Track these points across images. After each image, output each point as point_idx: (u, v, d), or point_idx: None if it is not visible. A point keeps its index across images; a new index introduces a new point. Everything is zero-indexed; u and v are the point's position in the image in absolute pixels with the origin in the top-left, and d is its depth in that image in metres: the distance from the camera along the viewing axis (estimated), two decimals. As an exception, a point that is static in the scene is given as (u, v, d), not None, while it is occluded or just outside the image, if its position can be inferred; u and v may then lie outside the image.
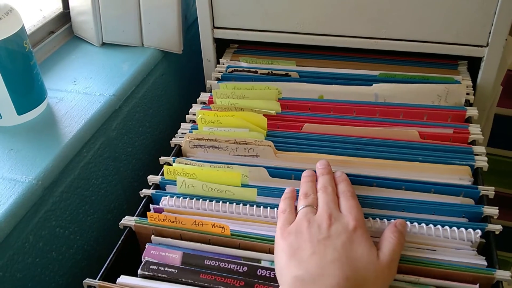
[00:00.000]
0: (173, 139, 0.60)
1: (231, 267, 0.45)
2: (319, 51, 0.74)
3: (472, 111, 0.60)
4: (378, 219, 0.47)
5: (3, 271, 0.50)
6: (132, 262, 0.47)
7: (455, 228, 0.46)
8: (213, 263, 0.45)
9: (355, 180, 0.52)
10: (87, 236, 0.64)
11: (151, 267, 0.45)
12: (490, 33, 0.64)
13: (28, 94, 0.63)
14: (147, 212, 0.49)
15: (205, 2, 0.71)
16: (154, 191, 0.53)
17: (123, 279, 0.44)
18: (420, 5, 0.64)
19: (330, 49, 0.72)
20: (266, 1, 0.69)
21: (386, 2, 0.65)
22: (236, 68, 0.72)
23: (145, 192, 0.53)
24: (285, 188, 0.51)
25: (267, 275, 0.44)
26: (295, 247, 0.42)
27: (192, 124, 0.63)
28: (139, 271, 0.45)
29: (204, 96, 0.67)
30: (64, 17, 0.83)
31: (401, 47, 0.68)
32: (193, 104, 0.66)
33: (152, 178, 0.55)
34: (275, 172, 0.54)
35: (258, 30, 0.73)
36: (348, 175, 0.53)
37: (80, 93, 0.69)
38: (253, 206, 0.50)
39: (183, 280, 0.44)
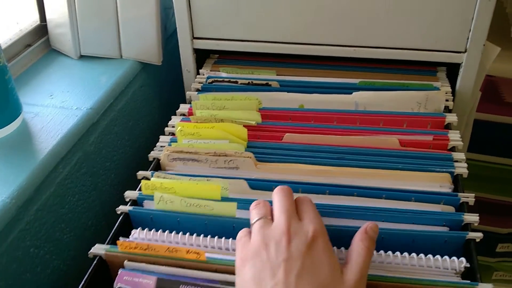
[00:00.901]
0: (152, 152, 0.59)
1: None
2: (299, 60, 0.73)
3: (451, 118, 0.60)
4: (343, 248, 0.45)
5: (-24, 294, 0.49)
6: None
7: (438, 257, 0.44)
8: (189, 287, 0.43)
9: (336, 190, 0.52)
10: (63, 256, 0.62)
11: None
12: (468, 39, 0.64)
13: (2, 109, 0.61)
14: (117, 241, 0.47)
15: (184, 12, 0.71)
16: (131, 208, 0.51)
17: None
18: (398, 12, 0.64)
19: (310, 58, 0.72)
20: (246, 11, 0.69)
21: (365, 11, 0.65)
22: (216, 79, 0.71)
23: (122, 209, 0.51)
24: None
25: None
26: (255, 275, 0.38)
27: (172, 136, 0.62)
28: None
29: (183, 108, 0.67)
30: (41, 30, 0.82)
31: (380, 54, 0.68)
32: (172, 116, 0.65)
33: (130, 194, 0.53)
34: (255, 184, 0.53)
35: (238, 40, 0.72)
36: (329, 185, 0.52)
37: (56, 107, 0.67)
38: (228, 239, 0.47)
39: (158, 307, 0.42)
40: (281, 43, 0.71)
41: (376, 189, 0.51)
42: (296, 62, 0.74)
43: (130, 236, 0.49)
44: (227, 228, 0.49)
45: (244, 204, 0.50)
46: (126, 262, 0.46)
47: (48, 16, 0.80)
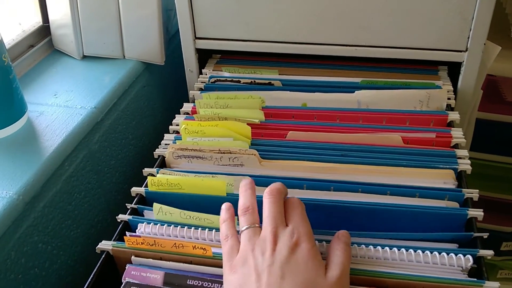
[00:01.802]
0: (157, 150, 0.59)
1: (215, 287, 0.43)
2: (301, 59, 0.74)
3: (453, 115, 0.61)
4: (324, 242, 0.46)
5: (-16, 289, 0.49)
6: (112, 284, 0.46)
7: (444, 254, 0.44)
8: (196, 283, 0.43)
9: (340, 186, 0.52)
10: (70, 251, 0.62)
11: None
12: (469, 38, 0.65)
13: (7, 108, 0.61)
14: (124, 236, 0.47)
15: (186, 12, 0.71)
16: (131, 217, 0.51)
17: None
18: (399, 12, 0.65)
19: (312, 57, 0.72)
20: (248, 10, 0.69)
21: (366, 10, 0.66)
22: (218, 78, 0.72)
23: (121, 217, 0.51)
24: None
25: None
26: (243, 281, 0.40)
27: (176, 134, 0.62)
28: None
29: (187, 107, 0.67)
30: (44, 30, 0.82)
31: (382, 53, 0.69)
32: (176, 115, 0.66)
33: (136, 190, 0.54)
34: (260, 181, 0.53)
35: (240, 40, 0.73)
36: (333, 181, 0.53)
37: (61, 107, 0.68)
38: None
39: (165, 301, 0.42)
40: (283, 43, 0.71)
41: (381, 185, 0.52)
42: (298, 61, 0.74)
43: (137, 231, 0.50)
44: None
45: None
46: (133, 258, 0.47)
47: (50, 17, 0.80)
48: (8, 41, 0.75)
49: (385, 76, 0.70)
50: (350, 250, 0.44)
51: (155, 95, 0.84)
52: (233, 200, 0.50)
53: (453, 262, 0.44)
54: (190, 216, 0.50)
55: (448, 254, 0.45)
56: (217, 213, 0.48)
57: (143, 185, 0.54)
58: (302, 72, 0.72)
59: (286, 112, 0.64)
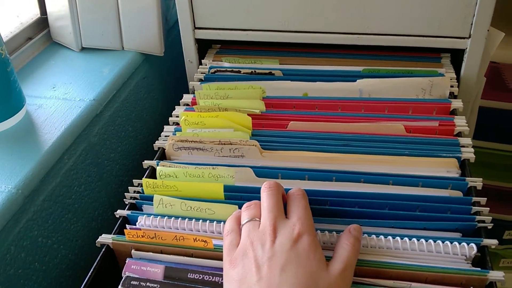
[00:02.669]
0: (157, 142, 0.59)
1: (216, 280, 0.43)
2: (302, 48, 0.73)
3: (457, 103, 0.60)
4: (326, 232, 0.45)
5: (-16, 284, 0.49)
6: (112, 277, 0.45)
7: (448, 243, 0.44)
8: (197, 276, 0.43)
9: (342, 176, 0.52)
10: (71, 245, 0.62)
11: (132, 282, 0.43)
12: (472, 24, 0.64)
13: (5, 101, 0.61)
14: (124, 229, 0.47)
15: (185, 2, 0.70)
16: (129, 212, 0.50)
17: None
18: (401, -1, 0.64)
19: (313, 46, 0.71)
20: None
21: (367, -3, 0.65)
22: (218, 69, 0.71)
23: (120, 213, 0.51)
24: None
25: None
26: (242, 275, 0.39)
27: (176, 126, 0.62)
28: None
29: (187, 98, 0.66)
30: (42, 23, 0.81)
31: (383, 41, 0.68)
32: (176, 106, 0.65)
33: (132, 190, 0.53)
34: (261, 172, 0.53)
35: (240, 29, 0.72)
36: (335, 171, 0.52)
37: (59, 99, 0.67)
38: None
39: (166, 295, 0.42)
40: (283, 32, 0.70)
41: (383, 175, 0.51)
42: (299, 50, 0.73)
43: (137, 223, 0.49)
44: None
45: (249, 195, 0.50)
46: (133, 251, 0.46)
47: (48, 9, 0.80)
48: (6, 34, 0.74)
49: (387, 65, 0.69)
50: (359, 245, 0.43)
51: (155, 86, 0.83)
52: (232, 195, 0.50)
53: (457, 251, 0.44)
54: (191, 207, 0.50)
55: (451, 243, 0.44)
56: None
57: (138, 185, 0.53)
58: (303, 61, 0.71)
59: (287, 102, 0.63)
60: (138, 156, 0.78)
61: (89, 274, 0.45)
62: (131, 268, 0.44)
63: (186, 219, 0.48)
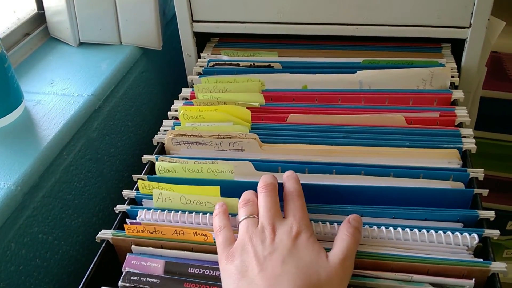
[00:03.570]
0: (156, 136, 0.59)
1: (216, 274, 0.43)
2: (301, 40, 0.72)
3: (457, 94, 0.60)
4: (328, 223, 0.45)
5: (-15, 281, 0.49)
6: (112, 273, 0.45)
7: (449, 233, 0.44)
8: (197, 271, 0.43)
9: (343, 169, 0.51)
10: (72, 241, 0.62)
11: (132, 278, 0.43)
12: (472, 13, 0.63)
13: (3, 98, 0.61)
14: (124, 224, 0.47)
15: (182, -5, 0.70)
16: (129, 207, 0.50)
17: (102, 292, 0.43)
18: (400, -12, 0.63)
19: (312, 38, 0.71)
20: (245, -9, 0.68)
21: (366, -13, 0.64)
22: (217, 62, 0.71)
23: (119, 208, 0.50)
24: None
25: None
26: (242, 269, 0.39)
27: (175, 120, 0.61)
28: (120, 283, 0.43)
29: (185, 92, 0.66)
30: (39, 18, 0.81)
31: (383, 32, 0.67)
32: (174, 101, 0.65)
33: (127, 193, 0.52)
34: (261, 166, 0.53)
35: (238, 22, 0.71)
36: (336, 164, 0.52)
37: (58, 95, 0.67)
38: (235, 216, 0.46)
39: (166, 290, 0.42)
40: (281, 24, 0.70)
41: (384, 167, 0.51)
42: (297, 42, 0.73)
43: (137, 217, 0.49)
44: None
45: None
46: (133, 247, 0.46)
47: (45, 4, 0.79)
48: (3, 30, 0.74)
49: (387, 55, 0.68)
50: (359, 235, 0.43)
51: (154, 80, 0.83)
52: (230, 191, 0.50)
53: (458, 241, 0.44)
54: (190, 201, 0.49)
55: (453, 233, 0.44)
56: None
57: (134, 188, 0.53)
58: (302, 53, 0.71)
59: (287, 95, 0.63)
60: (138, 150, 0.78)
61: (89, 270, 0.45)
62: (131, 264, 0.44)
63: (186, 213, 0.48)
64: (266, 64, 0.69)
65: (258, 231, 0.42)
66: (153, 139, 0.58)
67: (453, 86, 0.63)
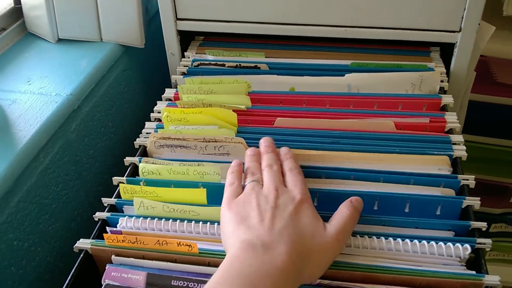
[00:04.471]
0: (138, 139, 0.56)
1: (201, 287, 0.41)
2: (289, 41, 0.71)
3: (447, 99, 0.59)
4: None
5: (-45, 292, 0.46)
6: (92, 283, 0.43)
7: (441, 243, 0.43)
8: (181, 283, 0.41)
9: (331, 173, 0.50)
10: (49, 247, 0.59)
11: None
12: (462, 18, 0.62)
13: (-24, 96, 0.58)
14: (104, 234, 0.45)
15: (166, -8, 0.67)
16: (109, 214, 0.48)
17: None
18: (390, -10, 0.62)
19: (300, 39, 0.69)
20: (231, -11, 0.66)
21: (356, -11, 0.63)
22: (202, 62, 0.69)
23: (99, 215, 0.48)
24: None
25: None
26: (243, 215, 0.41)
27: (158, 123, 0.59)
28: None
29: (169, 92, 0.64)
30: (16, 12, 0.78)
31: (372, 34, 0.66)
32: (157, 102, 0.62)
33: (107, 200, 0.50)
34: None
35: (224, 21, 0.69)
36: (325, 168, 0.51)
37: (34, 94, 0.64)
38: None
39: (148, 304, 0.40)
40: (269, 24, 0.68)
41: (374, 172, 0.50)
42: (285, 43, 0.71)
43: (118, 225, 0.47)
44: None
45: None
46: (113, 257, 0.44)
47: (22, -3, 0.76)
48: (-23, 25, 0.71)
49: (376, 58, 0.67)
50: (358, 216, 0.44)
51: (136, 79, 0.80)
52: (216, 194, 0.48)
53: (451, 252, 0.43)
54: (174, 209, 0.48)
55: (445, 243, 0.43)
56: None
57: (114, 195, 0.50)
58: (290, 54, 0.69)
59: (274, 97, 0.61)
60: (119, 152, 0.75)
61: (67, 281, 0.42)
62: (111, 276, 0.42)
63: (170, 220, 0.46)
64: (253, 65, 0.67)
65: (264, 192, 0.44)
66: (135, 142, 0.56)
67: (442, 90, 0.62)
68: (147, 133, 0.57)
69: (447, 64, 0.66)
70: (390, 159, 0.52)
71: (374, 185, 0.49)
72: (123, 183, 0.50)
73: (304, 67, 0.66)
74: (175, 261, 0.43)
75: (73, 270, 0.43)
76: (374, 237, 0.44)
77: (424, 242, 0.43)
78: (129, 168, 0.53)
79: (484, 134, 0.91)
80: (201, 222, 0.46)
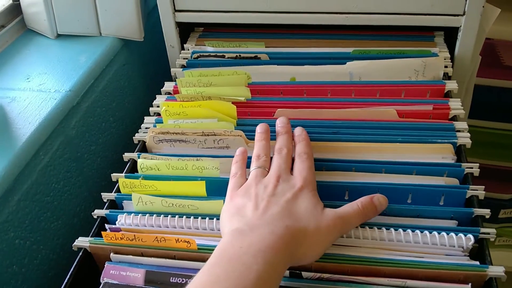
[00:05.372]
0: (137, 135, 0.56)
1: None
2: (289, 30, 0.70)
3: (451, 85, 0.57)
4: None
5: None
6: (91, 282, 0.43)
7: (444, 234, 0.42)
8: (180, 280, 0.41)
9: (333, 165, 0.49)
10: (52, 245, 0.59)
11: None
12: (466, 0, 0.60)
13: (-25, 95, 0.58)
14: (102, 232, 0.44)
15: (163, -17, 0.66)
16: (108, 211, 0.48)
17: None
18: (391, -26, 0.61)
19: (300, 27, 0.68)
20: (229, -21, 0.65)
21: (356, -26, 0.61)
22: (202, 54, 0.68)
23: (98, 213, 0.48)
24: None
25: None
26: (240, 206, 0.42)
27: (157, 117, 0.59)
28: None
29: (168, 86, 0.63)
30: (15, 9, 0.77)
31: (373, 20, 0.65)
32: (157, 96, 0.62)
33: (107, 195, 0.50)
34: (247, 163, 0.50)
35: (223, 11, 0.68)
36: (325, 160, 0.50)
37: (34, 91, 0.64)
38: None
39: (147, 301, 0.40)
40: (268, 13, 0.67)
41: (376, 163, 0.49)
42: (285, 32, 0.70)
43: (117, 222, 0.47)
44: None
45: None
46: (112, 255, 0.44)
47: (21, -6, 0.76)
48: (-24, 22, 0.71)
49: (377, 45, 0.66)
50: (372, 216, 0.43)
51: (136, 73, 0.80)
52: (215, 188, 0.48)
53: (453, 242, 0.42)
54: (173, 204, 0.47)
55: (448, 234, 0.42)
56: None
57: (114, 190, 0.50)
58: (290, 43, 0.68)
59: (274, 88, 0.60)
60: (121, 147, 0.75)
61: (66, 280, 0.42)
62: (110, 273, 0.42)
63: (169, 216, 0.46)
64: (253, 55, 0.66)
65: (264, 181, 0.44)
66: (133, 137, 0.55)
67: (446, 76, 0.60)
68: (146, 128, 0.57)
69: (451, 49, 0.64)
70: (392, 149, 0.51)
71: (376, 176, 0.49)
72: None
73: (304, 56, 0.65)
74: (174, 258, 0.43)
75: (72, 269, 0.43)
76: (375, 228, 0.43)
77: (426, 232, 0.42)
78: (128, 164, 0.53)
79: (492, 119, 0.89)
80: (200, 217, 0.46)
